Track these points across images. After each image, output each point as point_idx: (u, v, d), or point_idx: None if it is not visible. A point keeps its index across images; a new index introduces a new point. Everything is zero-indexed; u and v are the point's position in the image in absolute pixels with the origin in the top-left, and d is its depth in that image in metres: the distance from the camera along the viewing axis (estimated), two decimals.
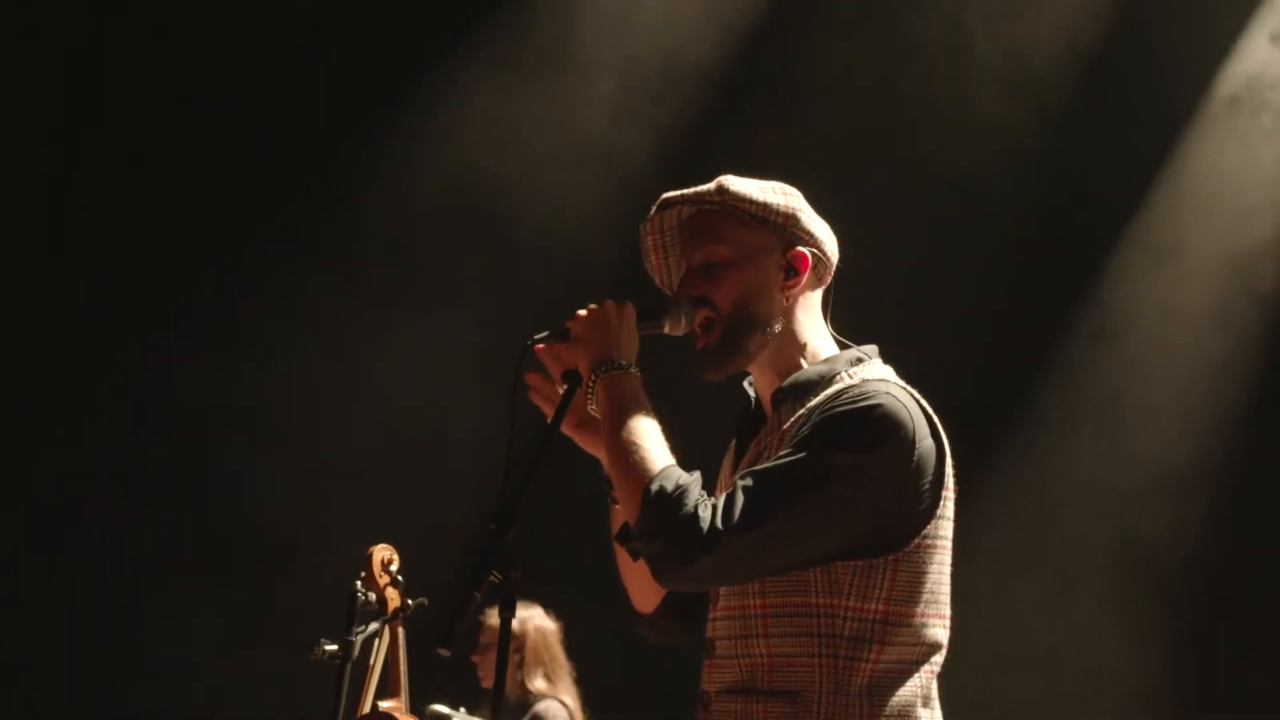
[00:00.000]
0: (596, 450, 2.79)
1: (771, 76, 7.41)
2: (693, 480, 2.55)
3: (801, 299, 2.75)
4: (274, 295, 7.39)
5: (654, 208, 2.79)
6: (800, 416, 2.62)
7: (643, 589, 2.87)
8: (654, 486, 2.53)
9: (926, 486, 2.59)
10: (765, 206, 2.72)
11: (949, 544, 2.65)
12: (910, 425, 2.58)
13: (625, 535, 2.67)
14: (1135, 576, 7.32)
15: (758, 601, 2.59)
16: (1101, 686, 7.23)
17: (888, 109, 7.26)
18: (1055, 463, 7.50)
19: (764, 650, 2.58)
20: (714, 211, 2.73)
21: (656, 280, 2.85)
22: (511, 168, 7.28)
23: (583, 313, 2.71)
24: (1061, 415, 7.55)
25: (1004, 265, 7.39)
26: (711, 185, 2.74)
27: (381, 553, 4.08)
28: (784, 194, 2.75)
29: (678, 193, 2.76)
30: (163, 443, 7.33)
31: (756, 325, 2.71)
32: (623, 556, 2.83)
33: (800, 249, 2.73)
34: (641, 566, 2.69)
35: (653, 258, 2.83)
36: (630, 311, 2.70)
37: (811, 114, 7.27)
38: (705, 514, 2.49)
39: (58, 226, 7.45)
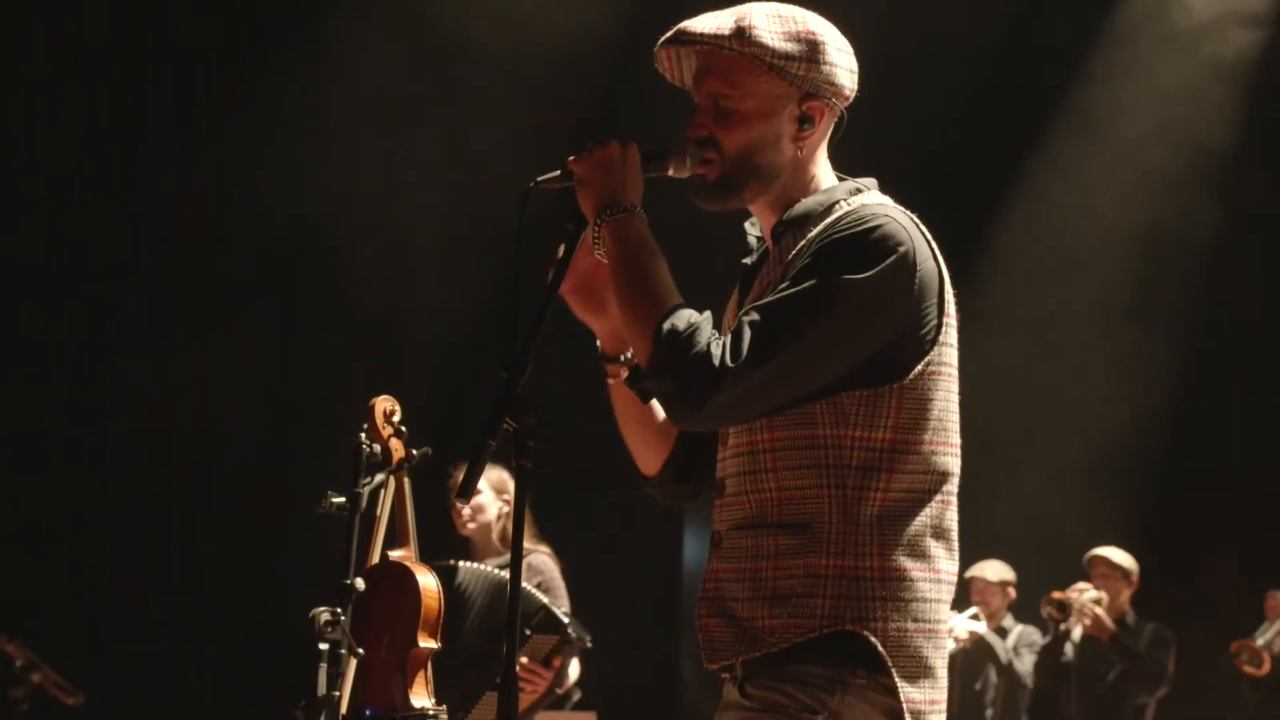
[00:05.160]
0: (589, 318, 2.78)
1: None
2: (704, 319, 2.54)
3: (810, 143, 2.71)
4: None
5: (668, 36, 2.71)
6: (800, 248, 2.60)
7: (646, 451, 2.86)
8: (665, 325, 2.52)
9: (929, 309, 2.58)
10: (786, 57, 2.64)
11: (954, 371, 2.64)
12: (910, 246, 2.56)
13: (636, 376, 2.66)
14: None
15: (765, 436, 2.58)
16: None
17: None
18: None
19: (773, 484, 2.58)
20: (730, 54, 2.66)
21: (667, 77, 2.79)
22: None
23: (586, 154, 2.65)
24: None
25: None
26: (729, 26, 2.64)
27: (383, 404, 4.06)
28: (806, 39, 2.65)
29: (696, 30, 2.67)
30: None
31: (759, 175, 2.68)
32: (624, 418, 2.83)
33: (817, 100, 2.68)
34: (644, 429, 2.71)
35: (665, 64, 2.77)
36: (635, 153, 2.66)
37: None
38: (717, 351, 2.49)
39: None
